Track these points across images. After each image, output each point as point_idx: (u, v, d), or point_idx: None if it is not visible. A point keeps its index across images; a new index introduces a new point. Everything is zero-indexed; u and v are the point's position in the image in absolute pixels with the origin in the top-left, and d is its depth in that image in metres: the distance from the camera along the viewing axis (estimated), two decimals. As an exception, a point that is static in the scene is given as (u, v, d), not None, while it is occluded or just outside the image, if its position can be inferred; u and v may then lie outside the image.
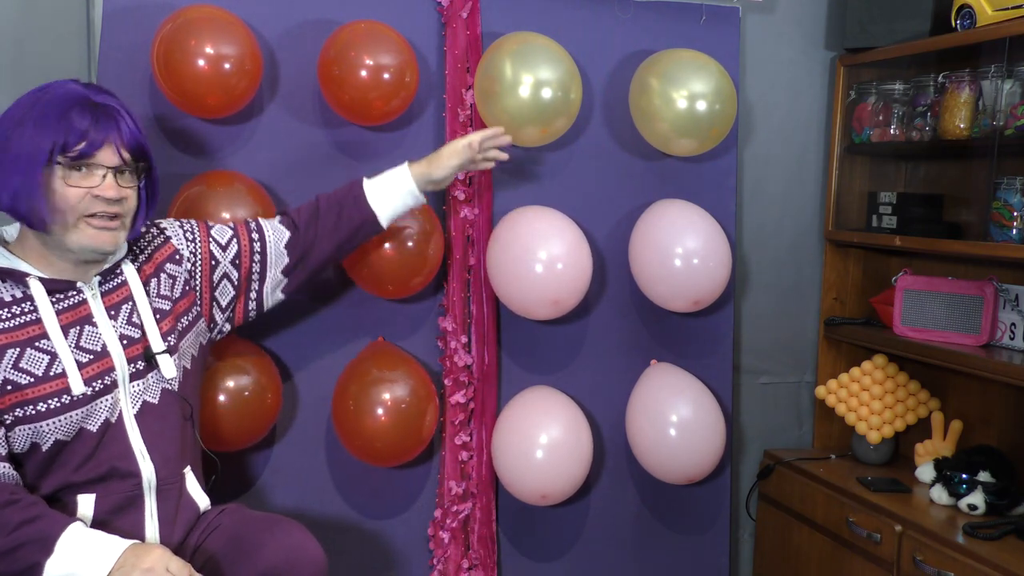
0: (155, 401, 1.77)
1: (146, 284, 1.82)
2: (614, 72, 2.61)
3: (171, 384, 1.81)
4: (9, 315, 1.66)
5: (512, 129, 2.34)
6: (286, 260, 2.01)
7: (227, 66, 2.11)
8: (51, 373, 1.66)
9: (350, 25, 2.28)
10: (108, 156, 1.66)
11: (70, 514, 1.66)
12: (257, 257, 1.98)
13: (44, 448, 1.66)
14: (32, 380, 1.64)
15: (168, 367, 1.79)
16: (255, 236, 1.99)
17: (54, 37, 2.27)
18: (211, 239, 1.94)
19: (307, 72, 2.36)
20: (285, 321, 2.41)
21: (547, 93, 2.29)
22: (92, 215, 1.67)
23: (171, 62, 2.09)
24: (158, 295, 1.83)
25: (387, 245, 2.25)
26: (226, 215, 2.14)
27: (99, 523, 1.67)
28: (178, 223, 1.94)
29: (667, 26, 2.64)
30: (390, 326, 2.49)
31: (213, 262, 1.93)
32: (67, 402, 1.66)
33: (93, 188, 1.65)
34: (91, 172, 1.66)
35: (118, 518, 1.70)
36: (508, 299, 2.43)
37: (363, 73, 2.21)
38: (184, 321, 1.86)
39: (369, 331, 2.48)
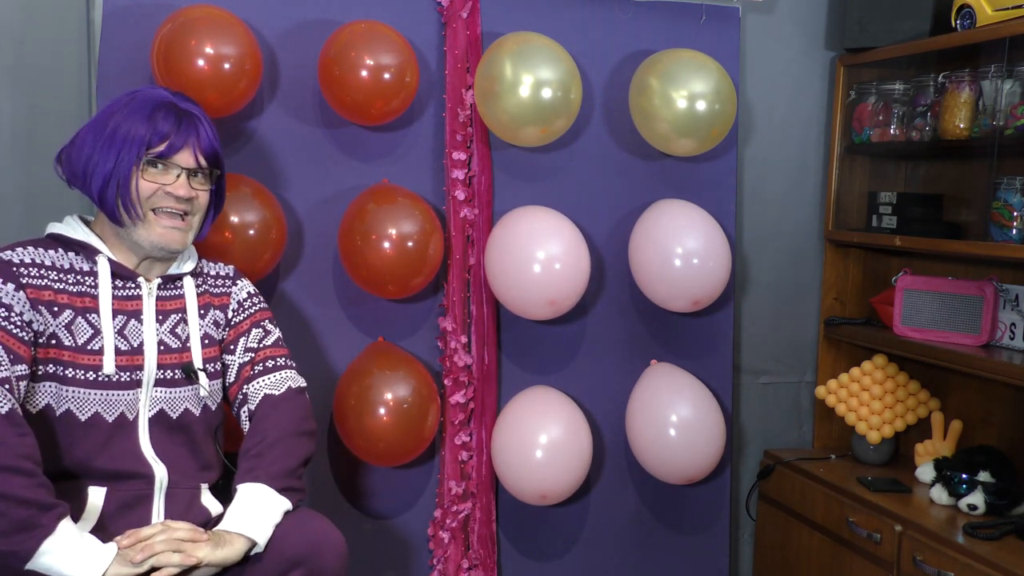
0: (173, 416, 1.81)
1: (199, 308, 1.89)
2: (614, 72, 2.61)
3: (196, 406, 1.84)
4: (75, 281, 1.75)
5: (512, 129, 2.34)
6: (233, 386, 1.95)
7: (227, 66, 2.12)
8: (90, 347, 1.73)
9: (350, 25, 2.28)
10: (185, 158, 1.78)
11: (81, 502, 1.69)
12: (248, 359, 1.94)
13: (57, 413, 1.70)
14: (73, 344, 1.71)
15: (205, 384, 1.85)
16: (259, 366, 1.94)
17: (54, 37, 2.28)
18: (251, 330, 1.95)
19: (307, 72, 2.36)
20: (285, 321, 2.41)
21: (547, 93, 2.29)
22: (161, 209, 1.77)
23: (171, 62, 2.09)
24: (209, 324, 1.90)
25: (387, 245, 2.25)
26: (235, 219, 2.16)
27: (107, 516, 1.70)
28: (250, 290, 1.99)
29: (667, 26, 2.64)
30: (390, 326, 2.49)
31: (232, 345, 1.94)
32: (93, 379, 1.72)
33: (166, 185, 1.76)
34: (167, 170, 1.77)
35: (125, 514, 1.72)
36: (506, 299, 2.43)
37: (363, 73, 2.21)
38: (217, 364, 1.91)
39: (369, 331, 2.48)
